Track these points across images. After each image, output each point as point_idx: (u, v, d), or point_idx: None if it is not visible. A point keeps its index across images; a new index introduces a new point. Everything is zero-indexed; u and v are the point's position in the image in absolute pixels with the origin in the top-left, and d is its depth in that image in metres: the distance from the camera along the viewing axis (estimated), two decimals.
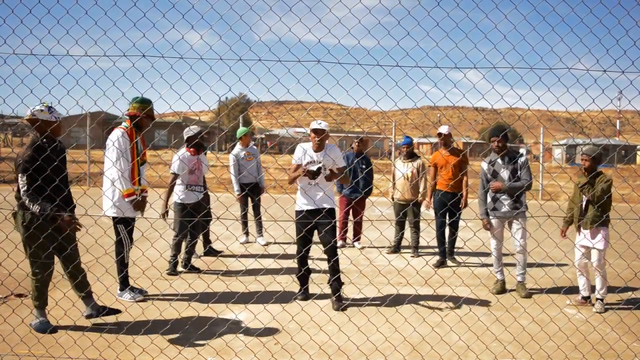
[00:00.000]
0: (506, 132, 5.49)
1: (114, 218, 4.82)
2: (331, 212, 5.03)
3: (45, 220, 3.85)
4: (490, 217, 5.57)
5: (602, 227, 4.92)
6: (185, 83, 3.17)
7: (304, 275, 5.18)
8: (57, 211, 3.89)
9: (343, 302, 5.02)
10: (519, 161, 5.44)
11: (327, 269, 5.04)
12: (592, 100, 3.19)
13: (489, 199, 5.59)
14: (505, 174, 5.45)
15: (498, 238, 5.59)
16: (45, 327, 4.09)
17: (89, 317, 4.31)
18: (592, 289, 5.24)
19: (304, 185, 5.00)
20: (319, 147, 5.04)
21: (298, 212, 5.09)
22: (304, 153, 5.06)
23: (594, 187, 4.89)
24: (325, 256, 5.01)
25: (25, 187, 3.87)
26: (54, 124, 4.04)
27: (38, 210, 3.84)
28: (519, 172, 5.41)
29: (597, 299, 5.08)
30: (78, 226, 4.04)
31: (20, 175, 3.90)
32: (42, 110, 4.02)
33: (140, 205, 4.78)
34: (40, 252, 3.98)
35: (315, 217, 4.98)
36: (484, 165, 5.67)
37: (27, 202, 3.86)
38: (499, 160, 5.50)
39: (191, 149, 5.99)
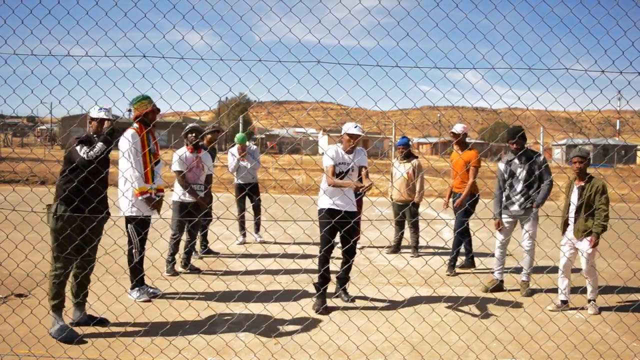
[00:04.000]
0: (523, 134, 5.49)
1: (126, 217, 4.87)
2: (354, 213, 5.01)
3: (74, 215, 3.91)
4: (503, 217, 5.61)
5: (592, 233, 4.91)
6: (185, 83, 3.18)
7: (324, 281, 4.89)
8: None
9: (350, 295, 5.15)
10: (537, 161, 5.46)
11: (340, 266, 5.09)
12: (590, 101, 3.20)
13: (503, 198, 5.62)
14: (522, 174, 5.49)
15: (505, 237, 5.61)
16: (71, 336, 3.93)
17: (75, 324, 4.23)
18: (572, 290, 5.22)
19: (330, 186, 4.93)
20: (350, 150, 5.04)
21: (322, 211, 4.98)
22: (337, 153, 5.01)
23: (588, 190, 4.88)
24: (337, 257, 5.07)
25: (99, 154, 3.95)
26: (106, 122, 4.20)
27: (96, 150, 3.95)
28: (536, 172, 5.43)
29: (589, 300, 5.07)
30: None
31: (101, 144, 3.97)
32: (99, 110, 4.20)
33: (155, 204, 4.82)
34: (67, 247, 3.88)
35: (340, 217, 4.76)
36: (501, 166, 5.70)
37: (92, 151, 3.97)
38: (516, 160, 5.56)
39: (189, 147, 6.02)
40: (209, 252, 7.13)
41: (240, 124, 15.68)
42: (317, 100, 3.22)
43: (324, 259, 4.85)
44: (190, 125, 6.13)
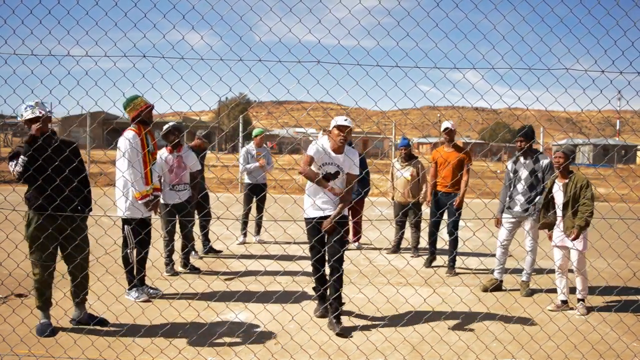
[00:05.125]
0: (531, 134, 5.47)
1: (123, 219, 4.87)
2: (342, 221, 4.49)
3: (44, 219, 3.88)
4: (504, 216, 5.62)
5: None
6: (185, 83, 3.18)
7: (322, 284, 4.59)
8: (58, 209, 3.86)
9: (345, 326, 4.39)
10: (541, 164, 5.45)
11: (328, 280, 4.51)
12: (590, 101, 3.20)
13: (507, 198, 5.65)
14: (524, 174, 5.50)
15: (506, 237, 5.62)
16: (45, 329, 4.05)
17: (76, 322, 4.29)
18: (571, 290, 5.21)
19: (315, 189, 4.49)
20: (339, 149, 4.42)
21: (308, 220, 4.55)
22: (322, 150, 4.41)
23: (573, 187, 4.88)
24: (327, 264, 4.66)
25: (21, 169, 3.88)
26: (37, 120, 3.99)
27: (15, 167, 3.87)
28: (539, 175, 5.43)
29: (578, 299, 5.05)
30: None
31: (21, 158, 3.88)
32: (25, 109, 4.02)
33: (153, 205, 4.82)
34: (40, 253, 3.98)
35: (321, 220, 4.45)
36: (509, 164, 5.73)
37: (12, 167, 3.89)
38: (521, 159, 5.57)
39: (168, 147, 5.87)
40: (211, 250, 7.12)
41: (240, 124, 15.67)
42: (317, 100, 3.22)
43: (316, 268, 4.54)
44: (170, 124, 5.90)
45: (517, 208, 5.53)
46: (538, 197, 5.40)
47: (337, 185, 4.49)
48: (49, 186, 3.72)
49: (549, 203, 5.09)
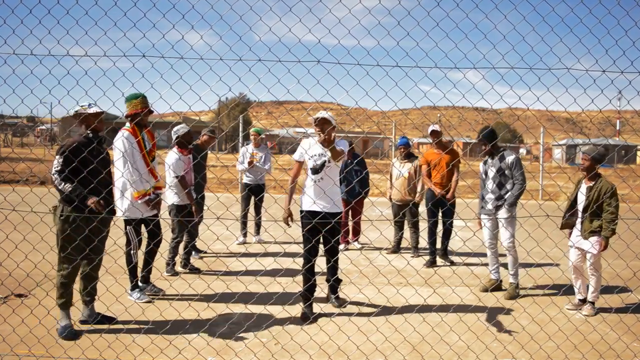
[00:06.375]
0: (490, 136, 5.55)
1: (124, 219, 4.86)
2: (336, 214, 4.68)
3: (79, 208, 3.93)
4: (481, 216, 5.67)
5: (597, 233, 4.88)
6: (185, 83, 3.18)
7: (311, 287, 4.73)
8: (86, 198, 3.90)
9: (342, 299, 4.95)
10: (507, 161, 5.47)
11: (326, 268, 4.83)
12: (591, 101, 3.19)
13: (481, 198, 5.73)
14: (492, 172, 5.58)
15: (490, 237, 5.63)
16: (69, 334, 3.99)
17: (83, 322, 4.30)
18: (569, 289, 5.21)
19: (310, 182, 4.69)
20: (325, 142, 4.43)
21: (302, 212, 4.71)
22: (309, 147, 4.74)
23: (596, 191, 4.85)
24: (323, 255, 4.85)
25: (59, 168, 3.89)
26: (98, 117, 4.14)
27: (69, 190, 3.88)
28: (506, 172, 5.48)
29: (588, 301, 5.03)
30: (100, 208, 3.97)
31: (57, 156, 3.92)
32: (82, 106, 4.12)
33: (154, 203, 4.80)
34: (69, 247, 3.93)
35: (321, 218, 4.61)
36: (481, 166, 5.81)
37: (56, 181, 3.89)
38: (489, 160, 5.65)
39: (184, 150, 5.87)
40: (194, 249, 7.05)
41: (240, 124, 15.67)
42: (317, 100, 3.21)
43: (307, 260, 4.62)
44: (187, 127, 5.94)
45: (489, 206, 5.58)
46: (508, 194, 5.44)
47: (326, 176, 4.68)
48: (88, 184, 3.81)
49: (573, 203, 5.08)
